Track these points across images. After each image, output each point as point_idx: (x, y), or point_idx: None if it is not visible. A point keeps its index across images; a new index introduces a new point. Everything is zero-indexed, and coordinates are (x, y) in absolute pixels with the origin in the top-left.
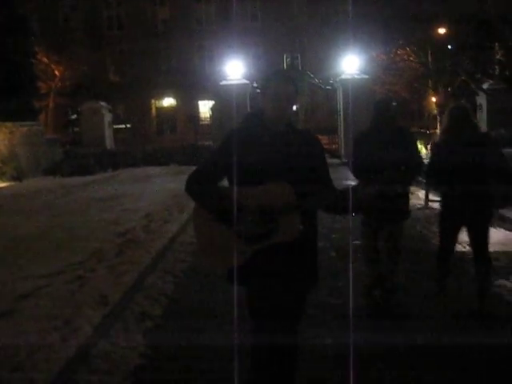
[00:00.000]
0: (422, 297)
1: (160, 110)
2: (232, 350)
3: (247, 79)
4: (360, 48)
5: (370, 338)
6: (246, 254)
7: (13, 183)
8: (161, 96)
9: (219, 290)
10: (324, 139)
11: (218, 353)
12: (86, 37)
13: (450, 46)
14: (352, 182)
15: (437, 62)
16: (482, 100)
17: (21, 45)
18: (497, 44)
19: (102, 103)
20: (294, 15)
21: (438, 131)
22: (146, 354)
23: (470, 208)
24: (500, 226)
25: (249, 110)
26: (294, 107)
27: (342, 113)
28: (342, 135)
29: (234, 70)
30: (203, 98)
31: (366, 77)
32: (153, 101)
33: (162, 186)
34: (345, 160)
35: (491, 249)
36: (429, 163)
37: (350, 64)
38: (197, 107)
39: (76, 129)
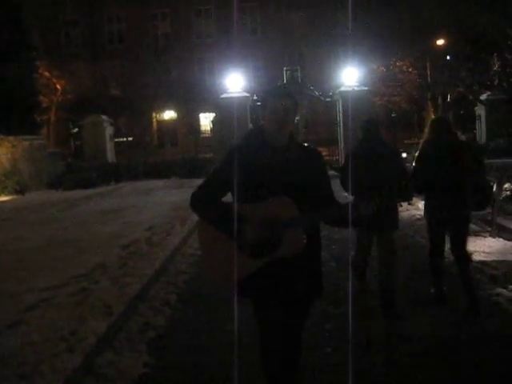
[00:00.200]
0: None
1: (161, 122)
2: (235, 359)
3: (247, 92)
4: (359, 60)
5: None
6: (251, 268)
7: (15, 197)
8: (162, 109)
9: (221, 300)
10: (324, 151)
11: (220, 362)
12: (87, 51)
13: (448, 57)
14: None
15: (435, 73)
16: (480, 111)
17: (23, 59)
18: (495, 55)
19: (104, 117)
20: (294, 28)
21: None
22: (150, 363)
23: (448, 210)
24: (499, 236)
25: (249, 122)
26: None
27: (341, 124)
28: (342, 147)
29: (235, 83)
30: (204, 111)
31: (366, 89)
32: (154, 114)
33: (163, 199)
34: None
35: (489, 258)
36: (413, 170)
37: (350, 76)
38: (197, 120)
39: (77, 142)
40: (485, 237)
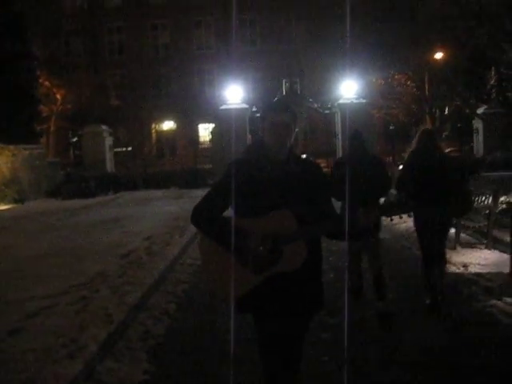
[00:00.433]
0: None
1: (160, 133)
2: (233, 369)
3: (246, 103)
4: (358, 73)
5: (367, 356)
6: (251, 284)
7: (15, 205)
8: (161, 119)
9: (219, 309)
10: (322, 162)
11: (219, 371)
12: (87, 61)
13: (445, 71)
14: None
15: (432, 86)
16: (478, 124)
17: (23, 69)
18: (493, 69)
19: (104, 127)
20: (293, 40)
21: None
22: (150, 371)
23: (431, 216)
24: (494, 248)
25: (248, 133)
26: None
27: (340, 136)
28: None
29: (234, 94)
30: (203, 122)
31: (364, 101)
32: (153, 124)
33: (162, 209)
34: None
35: (485, 270)
36: (398, 178)
37: (349, 88)
38: (197, 131)
39: (77, 152)
40: (480, 249)
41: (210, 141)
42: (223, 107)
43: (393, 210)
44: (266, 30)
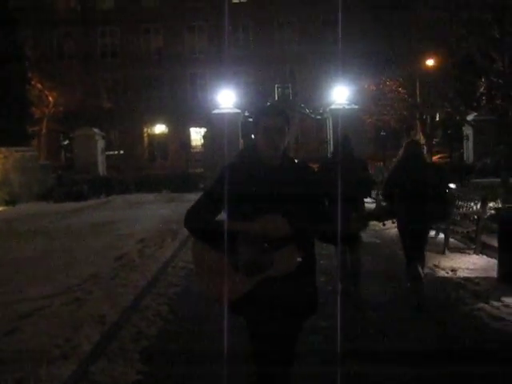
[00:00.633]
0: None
1: (152, 136)
2: (225, 369)
3: (239, 108)
4: (350, 79)
5: (358, 358)
6: (244, 288)
7: (6, 208)
8: (153, 123)
9: (211, 311)
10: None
11: (211, 372)
12: (79, 64)
13: (436, 79)
14: None
15: (423, 93)
16: (468, 131)
17: (15, 71)
18: (483, 78)
19: (96, 130)
20: (285, 45)
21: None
22: (143, 371)
23: (414, 221)
24: (482, 253)
25: (240, 138)
26: None
27: (331, 142)
28: None
29: (226, 99)
30: (195, 126)
31: (356, 107)
32: (145, 128)
33: (154, 213)
34: None
35: (473, 274)
36: (384, 182)
37: (340, 94)
38: (188, 135)
39: (68, 155)
40: (469, 254)
41: (202, 145)
42: (215, 111)
43: (383, 216)
44: (259, 34)
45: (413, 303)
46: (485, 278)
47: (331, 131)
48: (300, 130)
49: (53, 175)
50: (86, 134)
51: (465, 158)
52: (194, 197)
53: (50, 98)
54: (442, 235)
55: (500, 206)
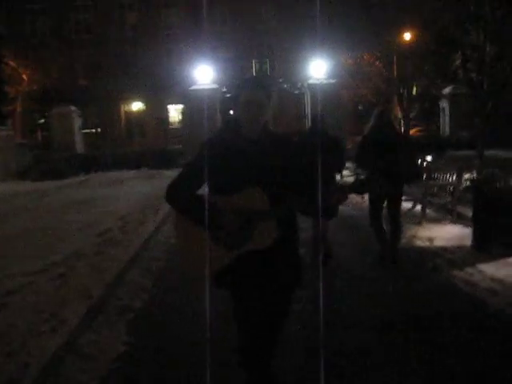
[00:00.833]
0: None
1: (129, 113)
2: (209, 341)
3: (217, 84)
4: (327, 53)
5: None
6: (224, 261)
7: None
8: (130, 100)
9: (193, 284)
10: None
11: (195, 343)
12: (54, 40)
13: (412, 52)
14: None
15: (400, 67)
16: (444, 104)
17: None
18: (459, 51)
19: (72, 108)
20: (263, 19)
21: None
22: (130, 342)
23: (385, 187)
24: (458, 223)
25: (219, 113)
26: None
27: (309, 117)
28: None
29: (204, 74)
30: (172, 102)
31: (334, 81)
32: (122, 105)
33: (134, 190)
34: None
35: (449, 243)
36: (357, 151)
37: (318, 69)
38: (166, 111)
39: (45, 133)
40: (445, 224)
41: (180, 121)
42: (193, 87)
43: (362, 187)
44: (236, 9)
45: (382, 256)
46: (460, 247)
47: (309, 106)
48: (278, 104)
49: (30, 154)
50: (63, 112)
51: (441, 132)
52: (173, 174)
53: (24, 76)
54: (419, 207)
55: (475, 177)
